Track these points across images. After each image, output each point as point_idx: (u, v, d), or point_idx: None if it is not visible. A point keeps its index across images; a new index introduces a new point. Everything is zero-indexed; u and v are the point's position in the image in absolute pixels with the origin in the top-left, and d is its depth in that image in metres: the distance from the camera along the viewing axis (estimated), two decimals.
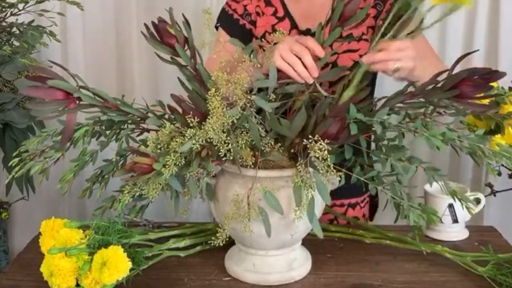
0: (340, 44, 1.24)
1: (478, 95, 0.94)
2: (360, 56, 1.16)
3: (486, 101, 1.04)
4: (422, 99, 1.00)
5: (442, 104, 0.98)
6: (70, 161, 1.10)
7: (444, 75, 0.97)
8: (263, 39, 1.30)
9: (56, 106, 0.95)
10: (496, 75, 0.93)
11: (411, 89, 1.02)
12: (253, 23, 1.33)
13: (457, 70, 0.96)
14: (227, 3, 1.37)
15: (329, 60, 1.25)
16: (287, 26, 1.30)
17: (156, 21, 1.02)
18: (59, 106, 0.95)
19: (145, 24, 1.03)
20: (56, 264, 0.95)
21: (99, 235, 1.00)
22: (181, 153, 0.91)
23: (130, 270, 0.97)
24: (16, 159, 1.07)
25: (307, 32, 1.28)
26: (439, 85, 0.96)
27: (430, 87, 0.97)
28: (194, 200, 1.02)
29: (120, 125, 1.08)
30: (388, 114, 0.99)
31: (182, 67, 1.05)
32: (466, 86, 0.93)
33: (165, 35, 1.02)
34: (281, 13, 1.31)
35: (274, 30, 1.23)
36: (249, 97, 0.96)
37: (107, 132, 1.09)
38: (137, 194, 0.96)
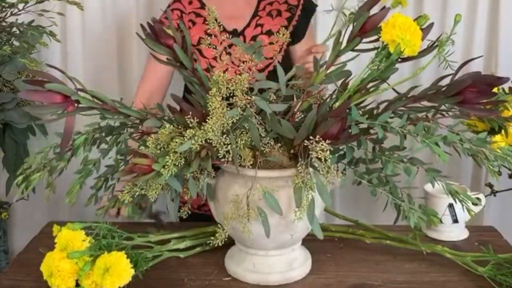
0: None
1: (481, 101, 0.94)
2: (280, 48, 1.46)
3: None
4: (424, 104, 1.00)
5: (445, 108, 0.98)
6: (74, 172, 1.10)
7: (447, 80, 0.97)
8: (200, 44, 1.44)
9: (54, 109, 0.95)
10: (500, 81, 0.93)
11: (413, 93, 1.01)
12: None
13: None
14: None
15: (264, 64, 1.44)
16: (216, 29, 1.32)
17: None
18: (58, 109, 0.95)
19: (141, 25, 1.02)
20: (56, 265, 0.95)
21: (101, 238, 1.00)
22: (180, 154, 0.91)
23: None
24: (20, 177, 1.06)
25: (234, 32, 1.47)
26: (442, 89, 0.96)
27: (433, 91, 0.97)
28: None
29: (119, 130, 1.08)
30: (391, 117, 0.99)
31: (179, 67, 1.04)
32: (470, 92, 0.93)
33: (162, 36, 1.01)
34: None
35: (207, 34, 1.35)
36: (249, 97, 0.96)
37: (107, 138, 1.08)
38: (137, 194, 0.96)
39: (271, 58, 1.42)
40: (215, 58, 1.37)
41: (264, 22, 1.48)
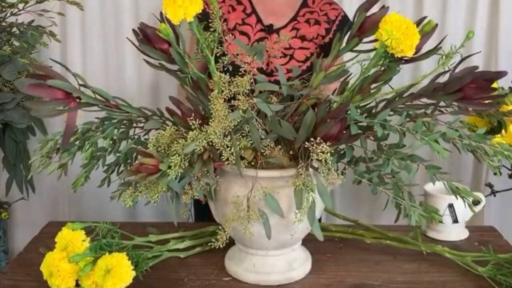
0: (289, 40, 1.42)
1: (481, 97, 0.94)
2: (311, 54, 1.46)
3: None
4: (423, 101, 1.00)
5: (443, 104, 0.98)
6: (80, 166, 1.10)
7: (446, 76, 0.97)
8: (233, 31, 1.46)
9: (56, 105, 0.94)
10: (498, 75, 0.93)
11: (412, 90, 1.01)
12: (225, 20, 1.47)
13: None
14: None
15: (288, 53, 1.45)
16: (253, 20, 1.47)
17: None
18: (59, 105, 0.94)
19: (133, 30, 1.01)
20: (56, 265, 0.95)
21: (102, 238, 1.00)
22: (184, 155, 0.92)
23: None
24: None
25: (270, 27, 1.46)
26: (442, 87, 0.95)
27: (433, 89, 0.97)
28: None
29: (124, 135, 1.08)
30: (390, 115, 0.99)
31: (172, 72, 1.04)
32: (469, 88, 0.93)
33: (156, 41, 0.99)
34: (249, 9, 1.48)
35: (243, 23, 1.47)
36: (250, 100, 0.95)
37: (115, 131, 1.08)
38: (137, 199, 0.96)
39: (302, 62, 1.45)
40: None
41: (301, 27, 1.48)
